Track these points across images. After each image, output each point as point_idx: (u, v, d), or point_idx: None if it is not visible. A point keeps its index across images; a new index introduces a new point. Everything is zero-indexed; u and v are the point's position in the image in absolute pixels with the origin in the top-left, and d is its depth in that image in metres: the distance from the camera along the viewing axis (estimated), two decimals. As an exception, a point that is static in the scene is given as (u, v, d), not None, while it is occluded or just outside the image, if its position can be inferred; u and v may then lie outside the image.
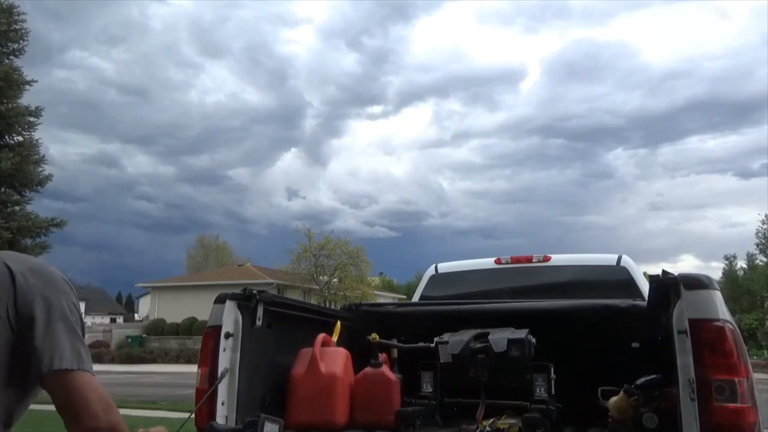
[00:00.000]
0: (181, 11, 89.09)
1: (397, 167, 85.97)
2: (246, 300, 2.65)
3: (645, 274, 4.07)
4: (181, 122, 77.34)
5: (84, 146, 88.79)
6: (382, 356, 3.06)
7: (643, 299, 3.18)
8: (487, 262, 4.68)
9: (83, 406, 1.20)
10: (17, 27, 13.71)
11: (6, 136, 13.64)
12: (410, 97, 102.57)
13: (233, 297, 2.63)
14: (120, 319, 54.86)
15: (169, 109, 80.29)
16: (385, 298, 34.10)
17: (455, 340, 2.90)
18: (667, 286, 2.28)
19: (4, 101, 13.41)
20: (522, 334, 2.80)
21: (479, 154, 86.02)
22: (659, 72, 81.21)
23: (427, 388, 3.05)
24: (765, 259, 34.64)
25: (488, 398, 2.96)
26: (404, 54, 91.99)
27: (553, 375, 2.80)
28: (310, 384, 2.80)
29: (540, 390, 2.78)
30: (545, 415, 2.66)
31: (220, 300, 2.63)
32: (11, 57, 13.81)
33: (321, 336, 2.94)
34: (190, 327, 27.96)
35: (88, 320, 41.00)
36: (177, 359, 26.29)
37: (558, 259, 4.50)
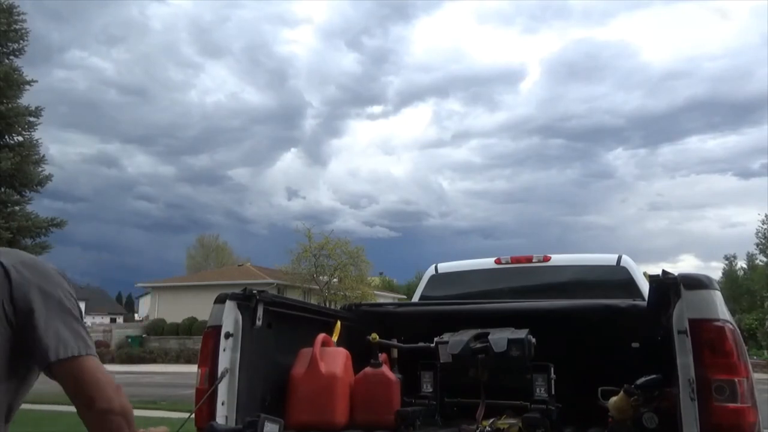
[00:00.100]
0: (180, 11, 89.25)
1: (397, 167, 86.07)
2: (246, 300, 2.65)
3: (645, 274, 4.07)
4: (181, 122, 77.49)
5: (84, 146, 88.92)
6: (382, 356, 3.06)
7: (643, 299, 3.18)
8: (487, 262, 4.68)
9: (96, 391, 1.22)
10: (17, 27, 13.75)
11: (6, 136, 13.67)
12: (410, 97, 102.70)
13: (233, 297, 2.63)
14: (120, 319, 54.86)
15: (169, 109, 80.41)
16: (385, 298, 34.08)
17: (455, 340, 2.90)
18: (667, 286, 2.28)
19: (4, 101, 13.43)
20: (522, 334, 2.80)
21: (479, 154, 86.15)
22: (659, 72, 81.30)
23: (427, 388, 3.05)
24: (765, 259, 34.63)
25: (488, 398, 2.96)
26: (404, 54, 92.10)
27: (553, 375, 2.80)
28: (310, 384, 2.80)
29: (540, 390, 2.78)
30: (545, 415, 2.66)
31: (220, 300, 2.63)
32: (11, 57, 13.84)
33: (321, 336, 2.94)
34: (190, 327, 27.95)
35: (88, 320, 40.92)
36: (177, 359, 26.27)
37: (558, 259, 4.50)
